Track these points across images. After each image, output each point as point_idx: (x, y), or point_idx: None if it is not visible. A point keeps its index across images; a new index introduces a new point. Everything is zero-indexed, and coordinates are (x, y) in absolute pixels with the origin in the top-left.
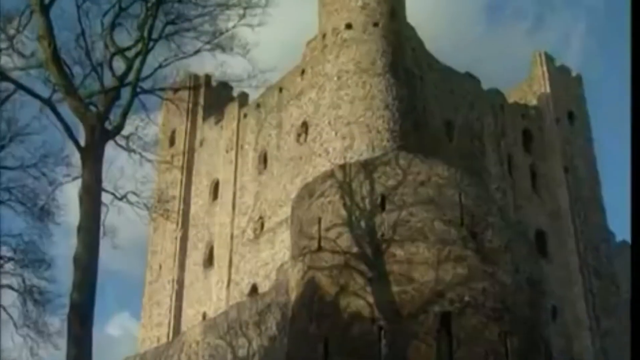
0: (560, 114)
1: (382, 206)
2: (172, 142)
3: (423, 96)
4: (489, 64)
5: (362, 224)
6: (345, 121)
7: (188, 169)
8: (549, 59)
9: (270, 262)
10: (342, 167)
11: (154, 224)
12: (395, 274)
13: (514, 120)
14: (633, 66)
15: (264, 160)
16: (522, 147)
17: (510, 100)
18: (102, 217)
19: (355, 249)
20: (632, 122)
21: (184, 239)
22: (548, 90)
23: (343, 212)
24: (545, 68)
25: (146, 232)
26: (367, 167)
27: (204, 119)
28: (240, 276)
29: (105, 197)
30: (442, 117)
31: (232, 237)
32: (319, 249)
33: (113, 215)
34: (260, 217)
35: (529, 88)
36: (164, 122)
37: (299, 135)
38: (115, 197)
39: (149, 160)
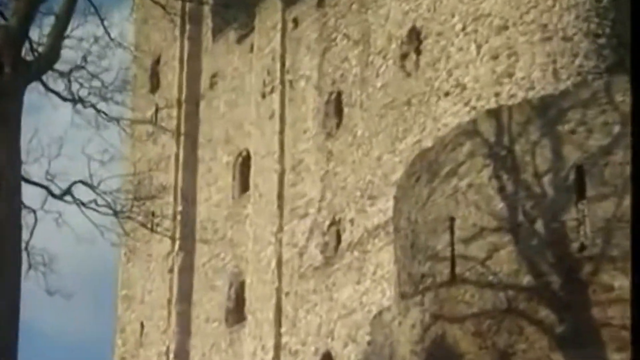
0: None
1: (580, 189)
2: (155, 81)
3: None
4: None
5: (540, 226)
6: (497, 24)
7: (189, 134)
8: None
9: (358, 309)
10: (495, 114)
11: (128, 243)
12: (613, 328)
13: None
14: (633, 65)
15: (335, 109)
16: None
17: None
18: (26, 234)
19: (527, 278)
20: (632, 120)
21: (186, 271)
22: None
23: (499, 205)
24: None
25: (113, 260)
26: (547, 111)
27: (216, 34)
28: (300, 337)
29: (31, 194)
30: None
31: (279, 262)
32: (453, 279)
33: (47, 228)
34: (334, 222)
35: None
36: (138, 43)
37: (404, 56)
38: (50, 192)
39: (112, 120)
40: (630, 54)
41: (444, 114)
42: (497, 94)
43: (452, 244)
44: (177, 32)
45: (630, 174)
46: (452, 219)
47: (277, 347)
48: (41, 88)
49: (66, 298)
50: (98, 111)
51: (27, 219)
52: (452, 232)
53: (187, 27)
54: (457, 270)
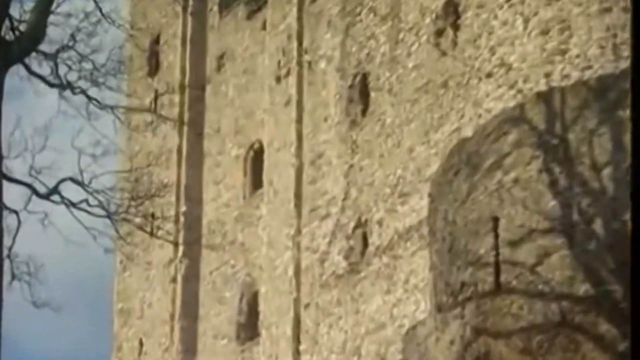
0: None
1: None
2: (154, 63)
3: None
4: None
5: (598, 226)
6: None
7: (194, 124)
8: None
9: (388, 323)
10: (545, 97)
11: (124, 248)
12: None
13: None
14: (633, 65)
15: (361, 94)
16: None
17: None
18: (7, 239)
19: (583, 287)
20: (632, 120)
21: (190, 281)
22: None
23: (550, 203)
24: None
25: (108, 268)
26: (606, 94)
27: (223, 9)
28: (322, 355)
29: (14, 193)
30: None
31: (297, 270)
32: (498, 288)
33: (31, 232)
34: (360, 224)
35: None
36: (134, 19)
37: (439, 32)
38: (34, 191)
39: (106, 108)
40: (631, 54)
41: (486, 98)
42: (547, 75)
43: (496, 247)
44: (179, 7)
45: (631, 174)
46: (496, 219)
47: None
48: (24, 72)
49: (55, 311)
50: (89, 98)
51: (8, 221)
52: (496, 235)
53: (190, 1)
54: (503, 278)
